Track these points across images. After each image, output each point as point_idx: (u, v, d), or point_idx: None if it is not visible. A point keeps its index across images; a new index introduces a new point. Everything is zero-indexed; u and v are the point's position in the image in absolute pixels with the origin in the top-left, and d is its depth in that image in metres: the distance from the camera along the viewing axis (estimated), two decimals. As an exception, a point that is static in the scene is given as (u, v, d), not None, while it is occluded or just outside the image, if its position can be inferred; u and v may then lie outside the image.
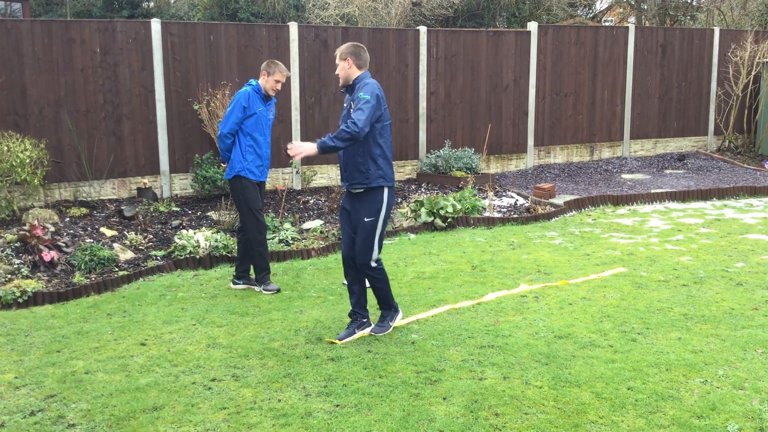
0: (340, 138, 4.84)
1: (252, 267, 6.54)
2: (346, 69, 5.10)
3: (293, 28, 10.42)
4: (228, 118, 6.25)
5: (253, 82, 6.36)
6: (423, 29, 11.35)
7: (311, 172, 10.70)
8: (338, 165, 10.82)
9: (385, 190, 5.11)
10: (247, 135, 6.28)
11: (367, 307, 5.36)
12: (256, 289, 6.44)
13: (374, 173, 5.05)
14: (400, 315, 5.47)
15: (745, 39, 13.53)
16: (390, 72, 11.12)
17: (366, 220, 5.09)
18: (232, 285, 6.57)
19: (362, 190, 5.10)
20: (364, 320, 5.31)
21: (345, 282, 6.54)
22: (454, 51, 11.57)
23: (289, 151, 4.89)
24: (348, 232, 5.25)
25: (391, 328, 5.34)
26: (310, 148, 4.88)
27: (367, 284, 5.37)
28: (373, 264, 5.16)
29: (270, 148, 6.52)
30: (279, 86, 6.33)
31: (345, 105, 5.17)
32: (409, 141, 11.43)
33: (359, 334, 5.25)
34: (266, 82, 6.30)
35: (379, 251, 5.19)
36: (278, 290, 6.37)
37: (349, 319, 5.38)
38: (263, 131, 6.37)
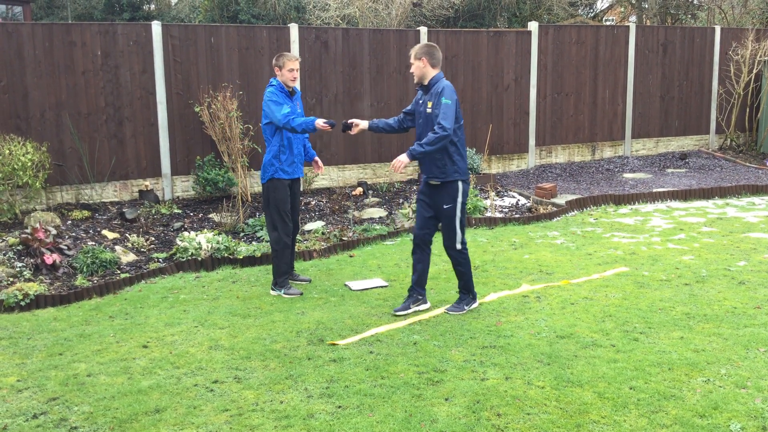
0: (430, 143, 5.30)
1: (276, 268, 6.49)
2: (421, 68, 5.50)
3: (294, 29, 10.43)
4: (272, 113, 6.07)
5: (273, 81, 6.29)
6: (424, 30, 11.35)
7: (313, 174, 10.70)
8: (338, 166, 10.85)
9: (459, 183, 5.56)
10: (278, 135, 6.23)
11: (426, 288, 5.85)
12: (273, 292, 6.34)
13: (450, 169, 5.50)
14: (477, 303, 5.85)
15: (746, 37, 13.51)
16: (391, 73, 11.12)
17: (445, 207, 5.56)
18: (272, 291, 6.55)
19: (439, 182, 5.56)
20: (420, 297, 5.79)
21: (346, 283, 6.57)
22: (454, 51, 11.57)
23: (394, 170, 5.38)
24: (422, 214, 5.70)
25: (465, 311, 5.71)
26: (405, 158, 5.37)
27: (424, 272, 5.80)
28: (458, 247, 5.62)
29: (302, 144, 6.45)
30: (295, 74, 6.23)
31: (420, 102, 5.60)
32: (410, 142, 11.41)
33: (414, 309, 5.75)
34: (282, 75, 6.24)
35: (462, 236, 5.60)
36: (301, 294, 6.31)
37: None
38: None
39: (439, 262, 7.26)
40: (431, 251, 5.88)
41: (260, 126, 10.16)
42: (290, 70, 6.21)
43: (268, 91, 6.22)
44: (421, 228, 5.69)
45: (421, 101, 5.60)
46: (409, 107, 5.80)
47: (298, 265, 7.27)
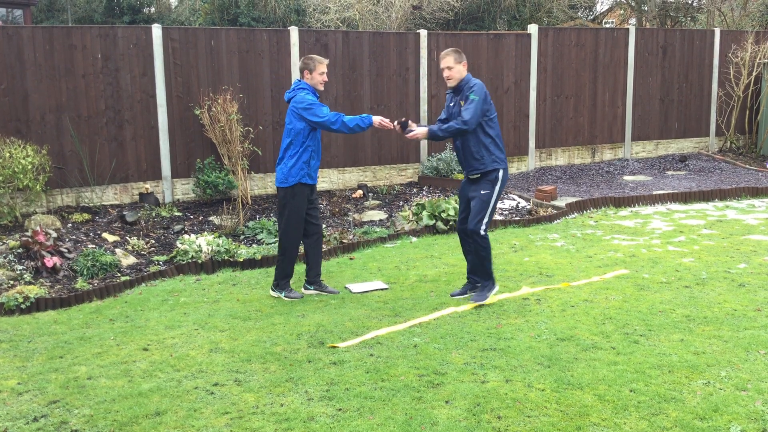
0: (447, 131, 5.69)
1: (309, 270, 6.49)
2: (461, 72, 5.82)
3: (294, 32, 10.44)
4: (314, 115, 5.94)
5: (303, 84, 6.13)
6: (423, 33, 11.37)
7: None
8: (338, 169, 10.87)
9: (500, 171, 5.86)
10: (310, 139, 6.08)
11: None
12: (273, 294, 6.35)
13: (488, 158, 5.82)
14: (497, 288, 6.12)
15: (745, 40, 13.52)
16: (390, 75, 11.13)
17: (483, 192, 5.83)
18: (303, 290, 6.52)
19: (479, 174, 5.85)
20: (477, 284, 6.11)
21: (347, 286, 6.57)
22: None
23: (408, 135, 5.68)
24: (465, 208, 6.02)
25: (488, 299, 5.95)
26: (423, 133, 5.74)
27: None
28: (482, 232, 5.85)
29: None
30: (326, 77, 6.16)
31: (451, 104, 5.92)
32: (410, 144, 11.44)
33: (470, 294, 6.13)
34: (312, 78, 6.11)
35: (488, 223, 5.89)
36: (302, 297, 6.29)
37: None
38: (319, 131, 6.22)
39: (440, 265, 7.26)
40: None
41: (260, 129, 10.22)
42: (321, 73, 6.11)
43: (302, 95, 6.02)
44: (463, 222, 6.05)
45: (452, 103, 5.91)
46: (443, 115, 6.02)
47: (299, 268, 7.26)
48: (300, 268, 7.26)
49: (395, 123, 5.94)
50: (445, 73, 5.81)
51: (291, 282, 6.52)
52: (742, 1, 20.34)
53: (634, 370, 4.56)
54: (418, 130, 5.78)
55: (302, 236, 6.46)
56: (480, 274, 6.05)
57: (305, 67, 6.13)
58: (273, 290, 6.40)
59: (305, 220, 6.35)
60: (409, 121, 5.89)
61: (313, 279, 6.50)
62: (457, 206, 8.75)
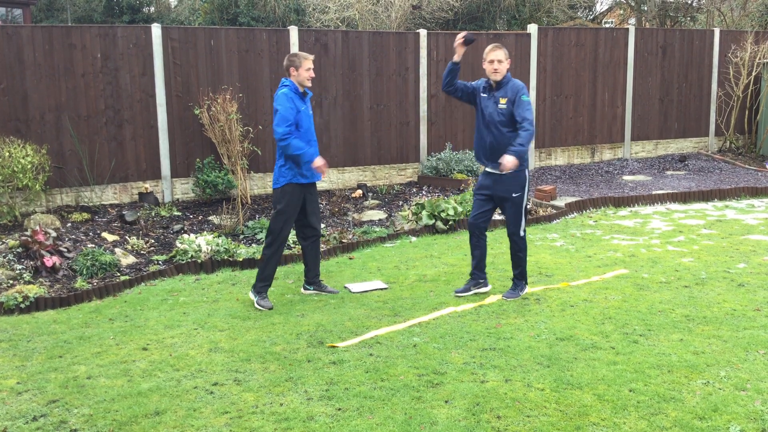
0: (527, 141, 5.72)
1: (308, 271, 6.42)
2: (506, 68, 5.92)
3: (293, 32, 10.44)
4: (281, 118, 5.86)
5: (287, 82, 6.04)
6: (423, 32, 11.37)
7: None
8: (337, 168, 10.85)
9: (526, 171, 5.98)
10: (299, 136, 5.98)
11: (485, 271, 6.30)
12: (251, 296, 6.16)
13: (524, 159, 5.85)
14: (527, 289, 6.24)
15: (745, 40, 13.52)
16: (390, 75, 11.13)
17: (514, 195, 5.97)
18: (302, 290, 6.48)
19: (511, 173, 5.89)
20: (481, 280, 6.26)
21: (346, 285, 6.57)
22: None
23: (506, 170, 5.70)
24: (480, 206, 6.12)
25: (520, 297, 6.09)
26: (513, 160, 5.67)
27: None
28: (521, 233, 6.05)
29: (317, 146, 6.24)
30: (312, 73, 6.07)
31: (486, 96, 5.97)
32: (409, 144, 11.44)
33: (474, 291, 6.23)
34: (299, 75, 5.99)
35: (525, 223, 6.08)
36: (271, 308, 6.00)
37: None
38: (310, 129, 6.11)
39: (440, 264, 7.26)
40: (486, 237, 6.29)
41: (259, 128, 10.21)
42: (308, 69, 6.02)
43: (281, 93, 5.94)
44: (477, 218, 6.14)
45: (486, 95, 5.98)
46: (468, 87, 6.06)
47: (297, 268, 7.27)
48: (299, 268, 7.26)
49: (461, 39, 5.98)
50: (494, 66, 5.86)
51: (311, 283, 6.46)
52: (741, 1, 20.34)
53: (634, 370, 4.56)
54: (507, 161, 5.66)
55: (300, 239, 6.42)
56: (516, 273, 6.19)
57: (291, 65, 6.02)
58: (251, 291, 6.23)
59: (304, 223, 6.29)
60: (500, 162, 5.77)
61: (312, 279, 6.47)
62: (457, 206, 8.77)
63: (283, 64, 6.12)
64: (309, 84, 6.10)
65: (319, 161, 6.00)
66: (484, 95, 6.00)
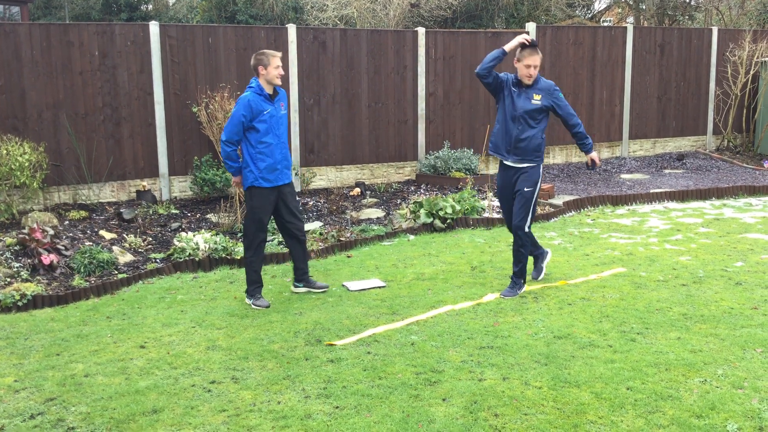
0: (585, 133, 6.23)
1: (304, 268, 6.40)
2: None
3: (292, 30, 10.43)
4: (227, 125, 5.89)
5: (253, 83, 5.92)
6: (421, 30, 11.36)
7: (310, 174, 10.70)
8: (336, 166, 10.84)
9: (541, 167, 6.21)
10: (257, 142, 5.89)
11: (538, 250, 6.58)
12: (247, 301, 6.14)
13: (542, 153, 6.17)
14: (525, 289, 6.29)
15: (743, 38, 13.53)
16: (388, 73, 11.13)
17: (526, 189, 6.09)
18: (293, 288, 6.46)
19: (534, 165, 6.13)
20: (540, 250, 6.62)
21: (344, 284, 6.57)
22: (452, 52, 11.58)
23: (598, 164, 6.30)
24: (509, 209, 6.32)
25: (517, 295, 6.13)
26: (595, 155, 6.27)
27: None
28: (527, 229, 6.15)
29: (287, 147, 6.13)
30: (281, 70, 5.95)
31: (517, 92, 6.07)
32: (407, 142, 11.44)
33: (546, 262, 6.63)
34: (268, 74, 5.89)
35: (532, 219, 6.21)
36: (268, 306, 6.00)
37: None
38: (276, 131, 5.97)
39: (438, 263, 7.26)
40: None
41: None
42: (276, 66, 5.89)
43: (243, 101, 5.82)
44: (511, 213, 6.31)
45: (517, 90, 6.08)
46: (499, 78, 6.08)
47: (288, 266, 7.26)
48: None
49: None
50: (530, 71, 5.96)
51: (300, 280, 6.44)
52: (739, 0, 20.36)
53: (631, 368, 4.57)
54: (596, 158, 6.28)
55: (284, 238, 6.37)
56: (516, 271, 6.19)
57: (259, 63, 5.88)
58: (302, 288, 6.37)
59: (283, 224, 6.25)
60: (587, 161, 6.35)
61: (301, 276, 6.42)
62: (455, 204, 8.77)
63: (251, 63, 5.99)
64: (279, 82, 5.98)
65: (234, 180, 6.18)
66: (515, 90, 6.08)
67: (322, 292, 6.38)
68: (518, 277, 6.20)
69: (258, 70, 5.91)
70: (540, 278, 6.56)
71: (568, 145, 12.76)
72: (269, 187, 6.01)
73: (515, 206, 6.15)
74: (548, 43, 12.30)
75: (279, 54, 5.99)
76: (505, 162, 6.21)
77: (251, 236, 6.09)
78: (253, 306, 6.06)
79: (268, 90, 5.95)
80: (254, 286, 6.13)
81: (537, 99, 6.01)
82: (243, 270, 7.18)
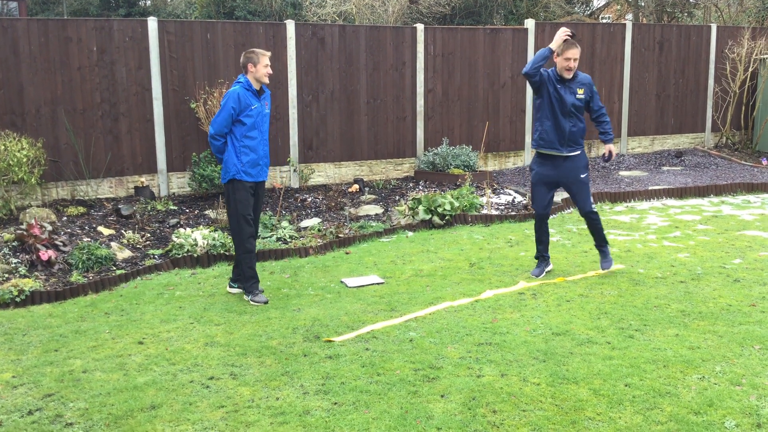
0: (610, 126, 6.51)
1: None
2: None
3: (290, 26, 10.41)
4: (216, 118, 5.98)
5: (241, 78, 6.00)
6: (420, 27, 11.34)
7: (309, 170, 10.69)
8: (334, 163, 10.84)
9: (584, 151, 6.56)
10: (242, 136, 5.96)
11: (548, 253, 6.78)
12: (245, 297, 6.15)
13: (583, 139, 6.48)
14: (551, 267, 6.77)
15: (742, 36, 13.53)
16: (387, 70, 11.11)
17: (582, 176, 6.47)
18: (228, 288, 6.42)
19: (579, 152, 6.44)
20: (549, 261, 6.81)
21: (342, 280, 6.57)
22: (451, 48, 11.56)
23: (611, 159, 6.54)
24: (545, 195, 6.57)
25: (612, 264, 6.66)
26: (614, 147, 6.54)
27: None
28: (594, 208, 6.55)
29: (268, 145, 6.23)
30: (270, 69, 6.04)
31: (560, 87, 6.27)
32: (406, 139, 11.43)
33: (546, 271, 6.72)
34: (257, 72, 5.96)
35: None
36: (266, 302, 6.01)
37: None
38: (260, 128, 6.06)
39: (436, 259, 7.26)
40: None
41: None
42: (266, 65, 5.98)
43: (232, 94, 5.90)
44: (545, 207, 6.61)
45: (561, 86, 6.30)
46: (543, 75, 6.27)
47: (295, 262, 7.26)
48: (296, 263, 7.26)
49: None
50: (570, 64, 6.21)
51: (236, 281, 6.35)
52: (738, -3, 20.34)
53: (629, 365, 4.57)
54: (611, 150, 6.49)
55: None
56: (599, 241, 6.67)
57: (248, 61, 5.96)
58: (236, 289, 6.26)
59: None
60: (605, 154, 6.59)
61: (238, 277, 6.32)
62: (453, 201, 8.77)
63: (240, 61, 6.04)
64: (267, 81, 6.06)
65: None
66: (560, 86, 6.30)
67: (259, 305, 6.07)
68: (605, 245, 6.68)
69: (248, 68, 6.00)
70: (540, 277, 6.63)
71: (567, 141, 12.74)
72: (250, 181, 6.06)
73: (580, 195, 6.49)
74: (547, 40, 12.28)
75: (268, 53, 6.08)
76: (557, 154, 6.42)
77: (239, 233, 6.09)
78: (251, 302, 6.05)
79: (256, 87, 6.04)
80: (251, 282, 6.12)
81: (581, 93, 6.33)
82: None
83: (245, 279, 6.14)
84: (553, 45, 6.21)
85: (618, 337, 5.06)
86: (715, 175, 11.72)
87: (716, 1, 20.25)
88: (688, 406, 4.03)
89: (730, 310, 5.57)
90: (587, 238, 7.99)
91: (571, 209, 9.54)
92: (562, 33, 6.16)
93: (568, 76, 6.25)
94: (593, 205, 6.57)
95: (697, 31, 13.62)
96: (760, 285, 6.21)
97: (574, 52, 6.17)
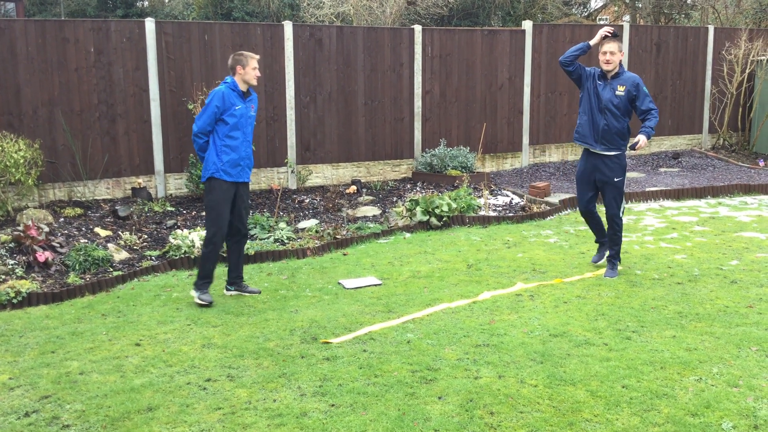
0: (654, 124, 6.30)
1: (236, 272, 6.33)
2: (619, 59, 6.41)
3: (288, 27, 10.41)
4: (200, 116, 5.99)
5: (228, 79, 6.02)
6: (418, 28, 11.35)
7: (306, 172, 10.69)
8: (332, 164, 10.83)
9: (625, 155, 6.54)
10: (224, 135, 5.96)
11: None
12: (192, 292, 6.11)
13: (627, 140, 6.51)
14: (620, 267, 6.74)
15: (739, 37, 13.55)
16: (385, 71, 11.11)
17: (616, 180, 6.47)
18: (225, 291, 6.39)
19: (619, 153, 6.45)
20: (606, 245, 6.81)
21: (340, 281, 6.57)
22: (449, 50, 11.57)
23: (638, 147, 6.12)
24: (586, 192, 6.65)
25: (618, 275, 6.60)
26: (645, 139, 6.19)
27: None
28: (621, 214, 6.56)
29: (251, 147, 6.20)
30: (258, 72, 6.07)
31: (601, 84, 6.44)
32: (404, 140, 11.43)
33: (607, 254, 6.76)
34: (245, 74, 5.98)
35: (624, 205, 6.64)
36: (210, 303, 5.96)
37: None
38: (243, 129, 6.05)
39: (434, 260, 7.26)
40: (596, 211, 6.83)
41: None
42: (254, 68, 6.00)
43: (217, 92, 5.91)
44: (587, 205, 6.70)
45: (602, 82, 6.44)
46: (581, 68, 6.55)
47: (292, 263, 7.26)
48: (293, 264, 7.25)
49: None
50: (606, 57, 6.35)
51: (232, 284, 6.35)
52: (735, -1, 20.38)
53: (627, 366, 4.57)
54: (642, 141, 6.17)
55: (226, 237, 6.26)
56: (613, 253, 6.65)
57: (237, 63, 5.98)
58: (233, 291, 6.29)
59: (230, 223, 6.16)
60: (636, 141, 6.24)
61: (233, 280, 6.32)
62: (451, 202, 8.77)
63: (228, 63, 6.08)
64: (255, 83, 6.08)
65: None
66: (600, 83, 6.44)
67: (203, 304, 6.05)
68: (615, 258, 6.63)
69: (236, 70, 6.01)
70: (599, 263, 6.88)
71: (564, 143, 12.77)
72: (229, 181, 6.04)
73: (609, 197, 6.52)
74: (544, 41, 12.30)
75: (257, 56, 6.11)
76: (593, 150, 6.50)
77: (212, 231, 6.07)
78: (197, 299, 6.01)
79: (242, 88, 6.05)
80: (204, 281, 6.09)
81: (621, 90, 6.35)
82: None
83: (200, 276, 6.10)
84: (592, 42, 6.50)
85: (615, 338, 5.07)
86: (712, 176, 11.74)
87: (713, 2, 20.29)
88: (685, 407, 4.04)
89: (727, 312, 5.58)
90: (584, 240, 7.99)
91: (569, 210, 9.55)
92: (603, 31, 6.46)
93: (607, 68, 6.37)
94: (622, 212, 6.57)
95: (694, 33, 13.64)
96: (757, 286, 6.22)
97: (611, 46, 6.33)
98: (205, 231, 6.19)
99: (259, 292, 6.34)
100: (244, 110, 6.05)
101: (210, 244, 6.09)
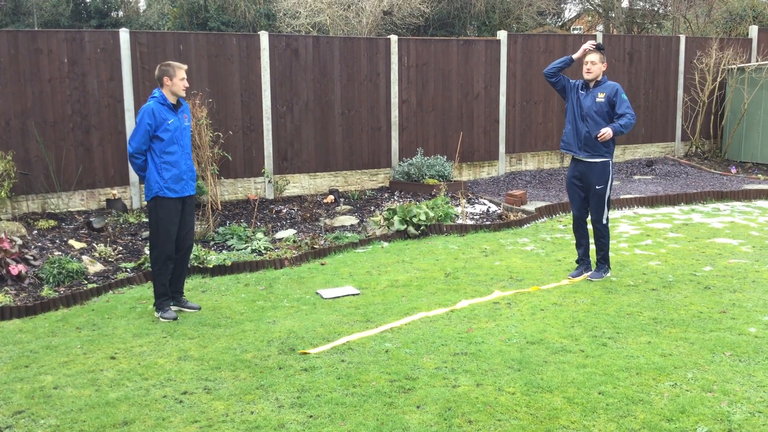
0: (627, 126, 6.41)
1: (179, 287, 6.21)
2: (601, 69, 6.63)
3: (264, 37, 10.40)
4: (133, 137, 5.81)
5: (156, 93, 5.87)
6: (394, 38, 11.40)
7: (284, 181, 10.67)
8: (309, 174, 10.82)
9: (610, 163, 6.67)
10: (161, 152, 5.82)
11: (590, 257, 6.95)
12: (156, 314, 6.00)
13: (611, 149, 6.64)
14: (609, 274, 6.87)
15: (710, 46, 13.78)
16: (361, 81, 11.14)
17: (598, 188, 6.65)
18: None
19: (604, 160, 6.60)
20: (588, 266, 6.93)
21: (318, 291, 6.55)
22: (425, 59, 11.63)
23: (600, 137, 6.34)
24: (578, 197, 6.81)
25: (603, 278, 6.75)
26: (609, 132, 6.34)
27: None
28: (604, 222, 6.75)
29: (191, 158, 6.04)
30: (186, 83, 5.93)
31: (584, 92, 6.66)
32: (381, 149, 11.46)
33: (584, 276, 6.84)
34: (173, 85, 5.85)
35: (608, 212, 6.79)
36: (175, 319, 5.87)
37: None
38: (181, 142, 5.91)
39: (411, 269, 7.27)
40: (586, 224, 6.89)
41: (230, 134, 10.17)
42: (182, 78, 5.88)
43: (146, 109, 5.77)
44: (580, 210, 6.85)
45: (585, 92, 6.67)
46: (565, 80, 6.80)
47: (270, 274, 7.23)
48: (270, 275, 7.22)
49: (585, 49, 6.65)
50: (588, 66, 6.59)
51: (262, 290, 6.37)
52: (706, 9, 20.73)
53: (603, 373, 4.61)
54: (605, 131, 6.36)
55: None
56: (599, 257, 6.82)
57: (164, 74, 5.85)
58: (155, 310, 6.11)
59: (177, 233, 6.07)
60: (600, 133, 6.46)
61: (173, 294, 6.19)
62: (429, 211, 8.79)
63: (155, 74, 5.95)
64: (183, 93, 5.95)
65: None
66: (582, 92, 6.69)
67: (168, 321, 5.95)
68: (603, 261, 6.81)
69: (163, 81, 5.88)
70: (576, 279, 6.88)
71: (540, 152, 12.87)
72: (175, 197, 5.93)
73: (591, 204, 6.73)
74: (519, 51, 12.41)
75: (185, 66, 5.98)
76: (577, 157, 6.70)
77: (159, 248, 5.95)
78: (161, 319, 5.92)
79: (172, 100, 5.92)
80: (162, 299, 6.00)
81: (601, 97, 6.56)
82: (215, 279, 7.13)
83: (157, 295, 6.00)
84: (575, 55, 6.76)
85: (591, 345, 5.11)
86: (686, 183, 11.89)
87: (685, 12, 20.61)
88: (660, 413, 4.08)
89: (701, 317, 5.65)
90: (560, 247, 8.05)
91: (545, 218, 9.62)
92: (585, 45, 6.67)
93: (588, 77, 6.59)
94: (605, 219, 6.74)
95: (666, 42, 13.84)
96: (730, 292, 6.30)
97: (593, 56, 6.58)
98: (150, 250, 6.04)
99: (199, 308, 6.18)
100: (178, 123, 5.91)
101: (158, 263, 5.98)
